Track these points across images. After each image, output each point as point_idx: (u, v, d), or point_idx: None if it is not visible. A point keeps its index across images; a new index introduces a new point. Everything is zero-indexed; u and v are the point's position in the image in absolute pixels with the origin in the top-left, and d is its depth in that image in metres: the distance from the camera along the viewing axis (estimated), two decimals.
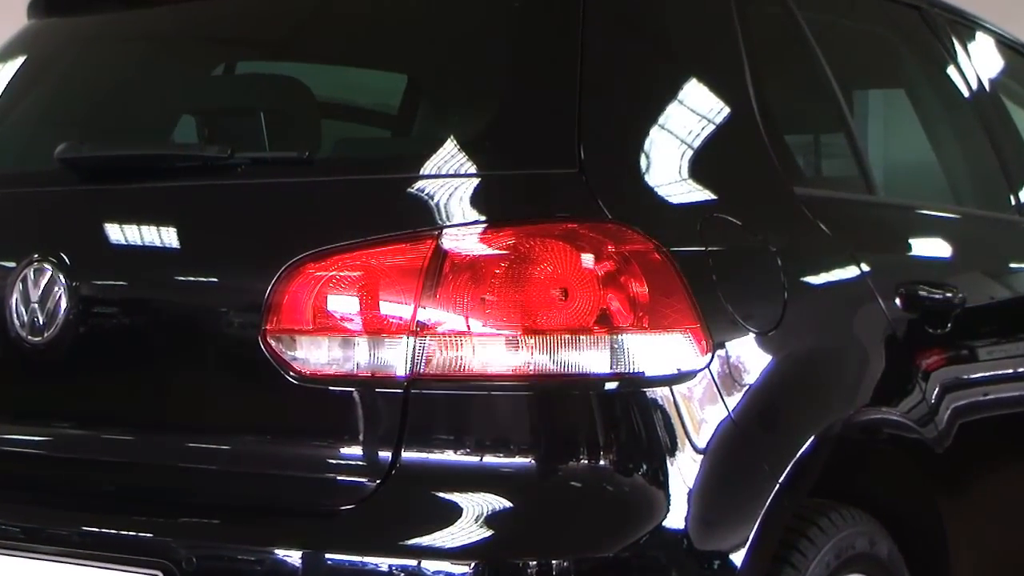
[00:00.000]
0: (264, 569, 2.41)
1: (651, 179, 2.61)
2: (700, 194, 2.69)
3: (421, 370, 2.40)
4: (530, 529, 2.38)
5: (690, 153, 2.69)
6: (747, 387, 2.53)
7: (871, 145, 3.73)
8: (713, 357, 2.49)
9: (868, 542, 2.78)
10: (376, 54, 3.06)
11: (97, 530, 2.56)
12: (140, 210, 2.73)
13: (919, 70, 3.88)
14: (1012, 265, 3.61)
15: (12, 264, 2.73)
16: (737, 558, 2.44)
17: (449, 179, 2.51)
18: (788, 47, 3.20)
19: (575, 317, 2.39)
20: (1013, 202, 3.73)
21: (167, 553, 2.45)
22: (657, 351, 2.43)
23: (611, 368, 2.40)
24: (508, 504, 2.37)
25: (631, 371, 2.41)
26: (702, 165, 2.70)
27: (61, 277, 2.67)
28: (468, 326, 2.39)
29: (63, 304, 2.67)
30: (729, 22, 2.90)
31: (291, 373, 2.47)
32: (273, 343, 2.48)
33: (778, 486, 2.50)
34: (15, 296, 2.70)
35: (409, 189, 2.54)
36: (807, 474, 2.59)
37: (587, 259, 2.41)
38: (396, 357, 2.41)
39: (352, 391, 2.45)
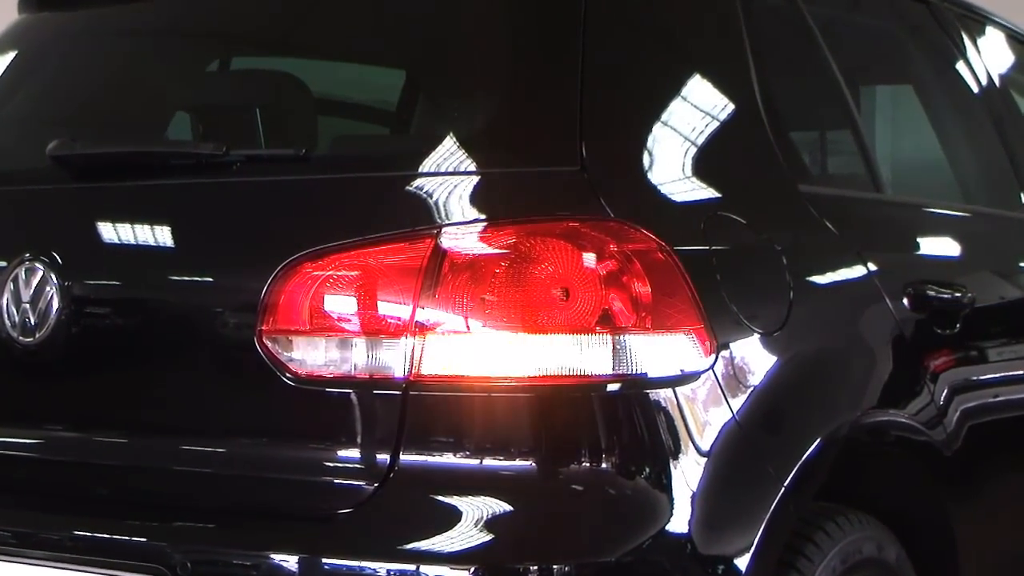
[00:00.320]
0: (260, 574, 2.42)
1: (654, 177, 2.61)
2: (704, 192, 2.70)
3: (420, 371, 2.40)
4: (531, 533, 2.38)
5: (694, 150, 2.69)
6: (752, 389, 2.54)
7: (878, 142, 3.74)
8: (717, 358, 2.49)
9: (875, 547, 2.78)
10: (374, 49, 3.06)
11: (90, 534, 2.57)
12: (133, 208, 2.73)
13: (927, 65, 3.88)
14: (1022, 264, 3.61)
15: (3, 264, 2.73)
16: (742, 563, 2.44)
17: (448, 177, 2.52)
18: (793, 41, 3.21)
19: (576, 317, 2.39)
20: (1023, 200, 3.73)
21: (162, 558, 2.46)
22: (660, 352, 2.43)
23: (613, 369, 2.40)
24: (508, 508, 2.38)
25: (633, 372, 2.41)
26: (706, 162, 2.70)
27: (53, 277, 2.68)
28: (468, 326, 2.39)
29: (55, 304, 2.67)
30: (733, 16, 2.90)
31: (287, 374, 2.48)
32: (269, 344, 2.49)
33: (783, 489, 2.51)
34: (6, 296, 2.71)
35: (407, 187, 2.55)
36: (813, 477, 2.60)
37: (589, 258, 2.42)
38: (394, 358, 2.41)
39: (349, 393, 2.45)
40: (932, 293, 3.05)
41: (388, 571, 2.34)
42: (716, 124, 2.76)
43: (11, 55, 3.27)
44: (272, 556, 2.42)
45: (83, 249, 2.73)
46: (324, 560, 2.39)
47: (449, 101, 2.83)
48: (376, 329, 2.43)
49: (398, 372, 2.41)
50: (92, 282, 2.72)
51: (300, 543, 2.41)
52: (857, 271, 2.90)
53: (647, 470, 2.42)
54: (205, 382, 2.61)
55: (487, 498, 2.38)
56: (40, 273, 2.69)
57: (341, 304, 2.45)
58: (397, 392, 2.41)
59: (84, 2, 3.22)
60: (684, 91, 2.75)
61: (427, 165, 2.56)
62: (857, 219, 3.05)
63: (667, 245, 2.48)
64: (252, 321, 2.50)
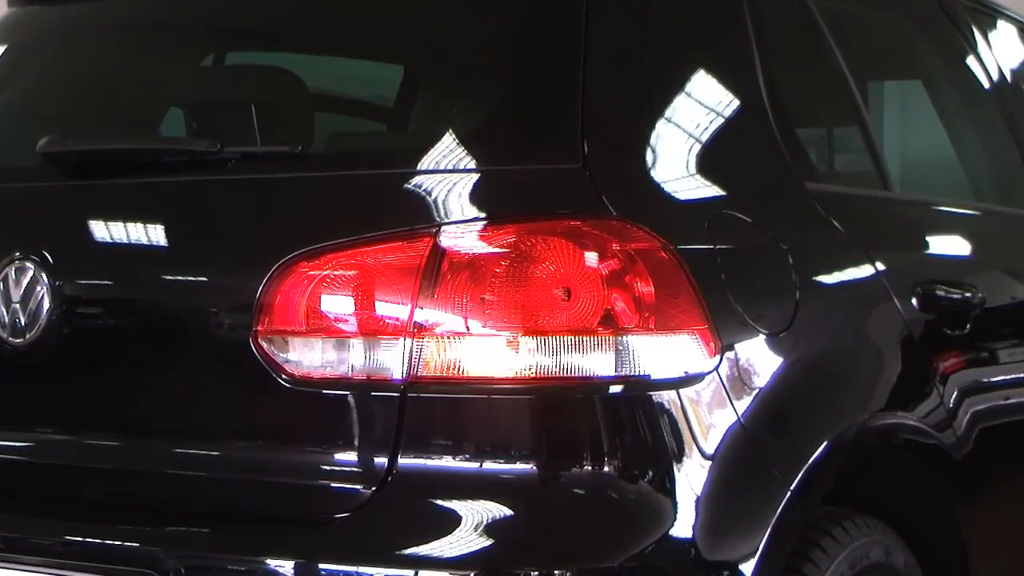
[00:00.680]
0: None
1: (658, 174, 2.62)
2: (708, 190, 2.70)
3: (418, 373, 2.41)
4: (531, 538, 2.39)
5: (698, 147, 2.70)
6: (757, 390, 2.55)
7: (887, 139, 3.74)
8: (722, 359, 2.50)
9: (884, 552, 2.79)
10: (372, 44, 3.07)
11: (81, 539, 2.58)
12: (126, 206, 2.74)
13: (937, 60, 3.88)
14: None
15: None
16: (747, 568, 2.45)
17: (447, 174, 2.52)
18: (800, 36, 3.21)
19: (578, 318, 2.40)
20: None
21: (154, 563, 2.47)
22: (663, 353, 2.44)
23: (616, 371, 2.41)
24: (509, 512, 2.38)
25: (636, 374, 2.42)
26: (711, 160, 2.71)
27: (43, 276, 2.68)
28: (467, 327, 2.40)
29: (46, 304, 2.68)
30: (738, 10, 2.90)
31: (283, 376, 2.48)
32: (264, 345, 2.50)
33: (789, 493, 2.51)
34: None
35: (406, 185, 2.55)
36: (820, 481, 2.60)
37: (591, 257, 2.42)
38: (392, 359, 2.42)
39: (347, 395, 2.46)
40: (942, 293, 3.05)
41: None
42: (720, 120, 2.77)
43: (0, 50, 3.27)
44: (267, 561, 2.42)
45: (74, 248, 2.74)
46: (320, 566, 2.39)
47: (448, 97, 2.84)
48: (374, 330, 2.44)
49: (396, 374, 2.42)
50: (84, 282, 2.72)
51: (296, 548, 2.42)
52: (865, 270, 2.91)
53: (650, 474, 2.43)
54: (199, 384, 2.62)
55: (487, 502, 2.38)
56: (31, 272, 2.69)
57: (338, 304, 2.46)
58: (395, 394, 2.42)
59: None
60: (688, 86, 2.75)
61: (426, 162, 2.56)
62: (865, 217, 3.05)
63: (670, 244, 2.48)
64: (247, 322, 2.50)
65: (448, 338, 2.40)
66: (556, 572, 2.35)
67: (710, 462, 2.46)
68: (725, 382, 2.49)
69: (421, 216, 2.48)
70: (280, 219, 2.62)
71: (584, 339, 2.40)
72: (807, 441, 2.60)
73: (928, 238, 3.29)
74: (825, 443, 2.61)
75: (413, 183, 2.55)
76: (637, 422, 2.43)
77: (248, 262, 2.56)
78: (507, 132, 2.60)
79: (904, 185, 3.46)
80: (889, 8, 3.72)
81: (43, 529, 2.63)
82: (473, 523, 2.37)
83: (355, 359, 2.44)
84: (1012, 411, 3.26)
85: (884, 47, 3.79)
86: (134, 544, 2.53)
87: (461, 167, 2.54)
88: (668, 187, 2.62)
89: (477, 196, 2.50)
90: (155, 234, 2.73)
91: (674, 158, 2.65)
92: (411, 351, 2.41)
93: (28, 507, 2.69)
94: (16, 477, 2.76)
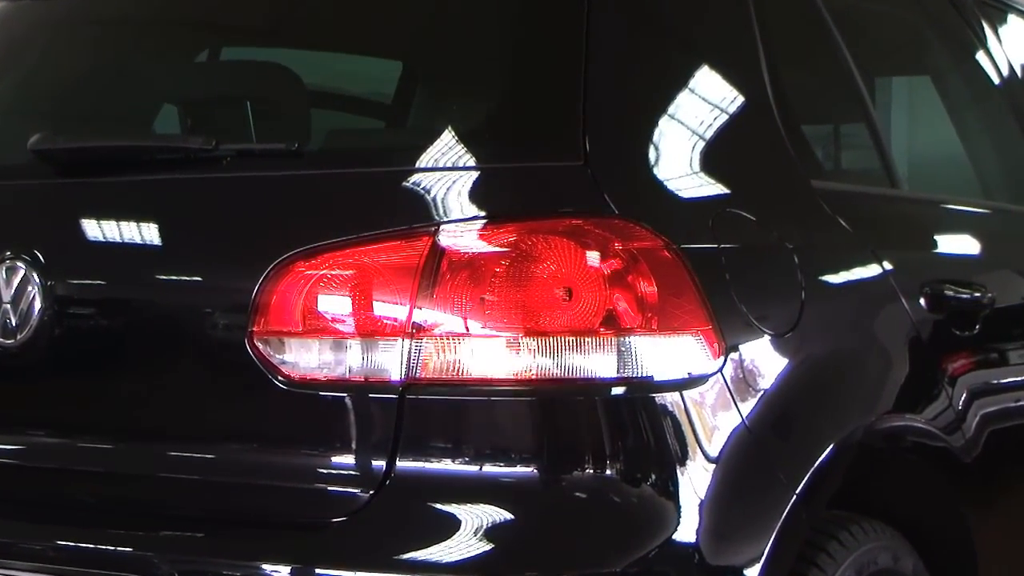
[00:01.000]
0: None
1: (660, 173, 2.62)
2: (712, 188, 2.71)
3: (417, 374, 2.41)
4: (532, 543, 2.39)
5: (702, 145, 2.70)
6: (762, 392, 2.55)
7: (894, 136, 3.75)
8: (726, 360, 2.50)
9: (891, 557, 2.79)
10: (370, 40, 3.07)
11: (74, 544, 2.58)
12: (119, 205, 2.74)
13: (946, 56, 3.89)
14: None
15: None
16: (751, 573, 2.45)
17: (446, 172, 2.53)
18: (805, 31, 3.21)
19: (580, 318, 2.40)
20: None
21: (148, 568, 2.47)
22: (666, 354, 2.44)
23: (618, 372, 2.41)
24: (509, 516, 2.39)
25: (639, 375, 2.42)
26: (714, 158, 2.71)
27: (35, 276, 2.69)
28: (467, 327, 2.40)
29: (37, 304, 2.68)
30: (743, 5, 2.91)
31: (279, 377, 2.49)
32: (260, 346, 2.50)
33: (795, 497, 2.52)
34: None
35: (404, 183, 2.56)
36: (826, 484, 2.61)
37: (592, 257, 2.43)
38: (390, 360, 2.42)
39: (344, 396, 2.46)
40: (950, 293, 3.06)
41: None
42: (725, 117, 2.77)
43: None
44: (263, 566, 2.43)
45: (66, 247, 2.74)
46: (317, 570, 2.39)
47: (447, 93, 2.84)
48: (372, 330, 2.44)
49: (394, 375, 2.42)
50: (76, 281, 2.72)
51: (292, 552, 2.42)
52: (872, 270, 2.91)
53: (653, 477, 2.43)
54: (193, 386, 2.62)
55: (486, 506, 2.39)
56: (22, 272, 2.70)
57: (335, 304, 2.46)
58: (393, 396, 2.42)
59: None
60: (691, 83, 2.76)
61: (425, 160, 2.57)
62: (872, 216, 3.05)
63: (674, 243, 2.48)
64: (242, 322, 2.51)
65: (447, 339, 2.40)
66: None
67: (714, 465, 2.46)
68: (729, 384, 2.50)
69: (420, 215, 2.48)
70: (276, 218, 2.62)
71: (586, 340, 2.40)
72: (813, 444, 2.60)
73: (936, 237, 3.29)
74: (831, 446, 2.61)
75: (412, 181, 2.55)
76: (640, 424, 2.44)
77: (244, 261, 2.56)
78: (507, 129, 2.60)
79: (912, 183, 3.47)
80: (897, 2, 3.73)
81: (35, 534, 2.63)
82: (473, 527, 2.37)
83: (353, 360, 2.45)
84: (1022, 413, 3.26)
85: (891, 42, 3.79)
86: (128, 549, 2.54)
87: (460, 165, 2.55)
88: (671, 185, 2.62)
89: (477, 194, 2.51)
90: (149, 233, 2.73)
91: (677, 156, 2.65)
92: (410, 352, 2.41)
93: (20, 511, 2.70)
94: (7, 480, 2.76)
